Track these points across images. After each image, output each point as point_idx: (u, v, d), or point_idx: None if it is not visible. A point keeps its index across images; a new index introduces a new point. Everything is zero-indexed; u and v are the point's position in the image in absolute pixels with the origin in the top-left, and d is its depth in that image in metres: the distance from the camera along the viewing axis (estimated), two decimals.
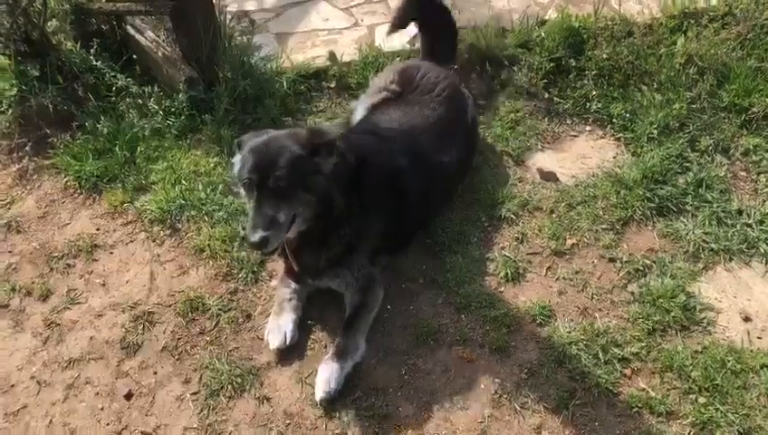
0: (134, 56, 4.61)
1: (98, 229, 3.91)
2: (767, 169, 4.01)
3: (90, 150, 4.19)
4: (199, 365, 3.26)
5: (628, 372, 3.15)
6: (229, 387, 3.16)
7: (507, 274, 3.54)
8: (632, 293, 3.45)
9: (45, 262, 3.76)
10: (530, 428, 2.98)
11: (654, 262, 3.57)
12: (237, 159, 3.10)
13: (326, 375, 3.09)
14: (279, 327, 3.28)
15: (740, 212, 3.78)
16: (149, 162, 4.18)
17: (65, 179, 4.15)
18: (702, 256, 3.60)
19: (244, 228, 3.59)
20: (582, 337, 3.25)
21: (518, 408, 3.04)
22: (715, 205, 3.81)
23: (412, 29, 4.55)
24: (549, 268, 3.59)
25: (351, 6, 5.26)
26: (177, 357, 3.32)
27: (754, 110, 4.21)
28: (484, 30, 4.69)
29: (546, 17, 4.93)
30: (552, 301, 3.43)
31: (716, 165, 4.04)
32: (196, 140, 4.33)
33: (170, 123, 4.34)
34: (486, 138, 4.29)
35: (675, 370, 3.12)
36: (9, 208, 4.06)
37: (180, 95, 4.27)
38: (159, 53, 4.49)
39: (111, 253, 3.79)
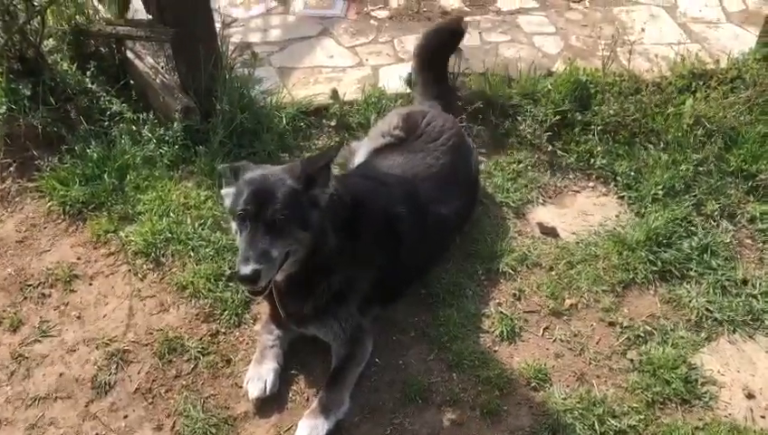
0: (131, 81, 4.50)
1: (78, 258, 3.74)
2: None
3: (77, 175, 4.03)
4: (173, 411, 3.08)
5: None
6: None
7: (503, 332, 3.39)
8: (632, 360, 3.30)
9: (19, 290, 3.58)
10: None
11: (655, 329, 3.42)
12: (230, 190, 2.95)
13: (307, 431, 2.91)
14: (259, 376, 3.11)
15: (745, 282, 3.65)
16: (138, 191, 4.03)
17: (49, 204, 3.99)
18: (705, 325, 3.46)
19: (231, 268, 3.45)
20: (578, 405, 3.09)
21: None
22: (719, 272, 3.68)
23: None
24: (546, 328, 3.44)
25: (357, 46, 5.18)
26: (150, 401, 3.13)
27: (762, 176, 4.12)
28: (490, 77, 4.61)
29: (554, 69, 4.87)
30: (548, 364, 3.27)
31: (722, 231, 3.92)
32: (188, 171, 4.19)
33: (163, 152, 4.20)
34: (487, 187, 4.17)
35: None
36: None
37: (175, 124, 4.15)
38: (157, 80, 4.38)
39: (90, 284, 3.62)
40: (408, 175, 3.50)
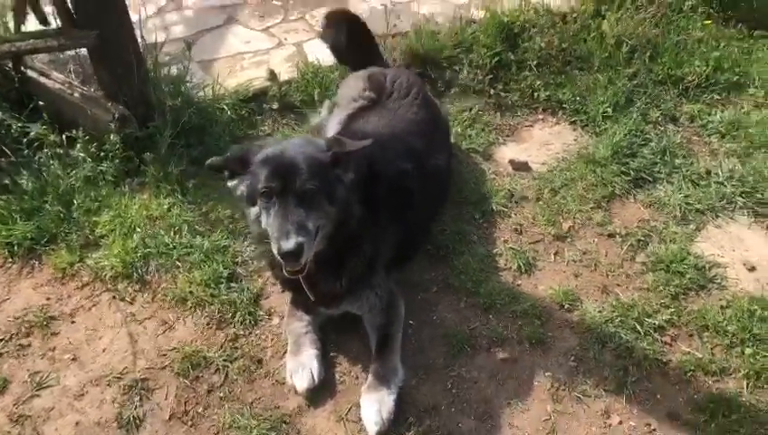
0: (40, 102, 4.00)
1: (48, 299, 3.31)
2: (715, 130, 4.21)
3: (15, 212, 3.56)
4: (221, 426, 2.82)
5: (667, 339, 3.11)
6: None
7: (519, 266, 3.41)
8: (643, 263, 3.44)
9: None
10: (597, 414, 2.83)
11: (650, 231, 3.59)
12: (240, 178, 2.73)
13: (375, 407, 2.77)
14: (302, 366, 2.92)
15: (708, 172, 3.91)
16: (90, 214, 3.63)
17: None
18: (690, 217, 3.68)
19: (233, 264, 3.19)
20: (614, 314, 3.17)
21: (580, 397, 2.89)
22: (684, 169, 3.93)
23: None
24: (556, 253, 3.51)
25: (270, 27, 4.98)
26: (190, 424, 2.84)
27: (689, 78, 4.43)
28: (417, 33, 4.59)
29: (471, 17, 4.92)
30: (571, 285, 3.34)
31: (671, 133, 4.18)
32: (137, 183, 3.83)
33: (104, 169, 3.81)
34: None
35: (710, 328, 3.12)
36: None
37: (112, 136, 3.76)
38: (76, 95, 3.95)
39: (73, 322, 3.22)
40: (397, 132, 3.41)
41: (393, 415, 2.77)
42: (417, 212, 3.24)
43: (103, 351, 3.09)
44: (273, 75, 4.30)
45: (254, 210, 2.69)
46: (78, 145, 3.80)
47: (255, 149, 2.77)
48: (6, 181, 3.67)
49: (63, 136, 3.83)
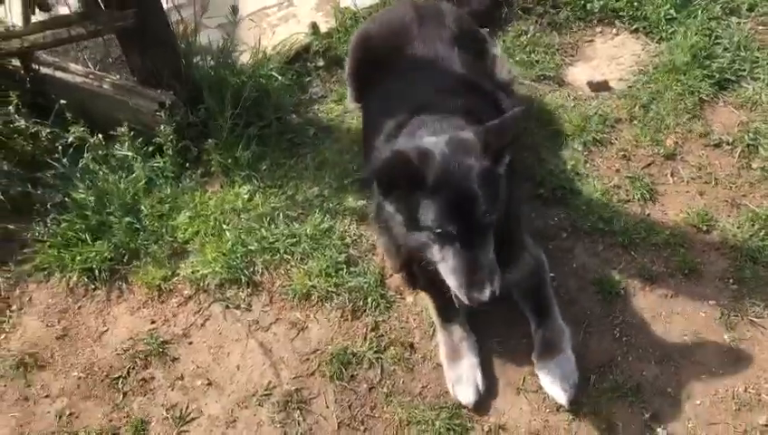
0: (61, 101, 3.49)
1: (152, 322, 2.97)
2: None
3: (82, 232, 3.15)
4: (397, 424, 2.60)
5: None
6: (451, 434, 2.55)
7: (642, 194, 3.23)
8: (762, 169, 3.30)
9: (108, 389, 2.78)
10: None
11: (755, 132, 3.43)
12: (408, 197, 2.33)
13: (559, 372, 2.60)
14: (465, 378, 2.65)
15: None
16: (164, 220, 3.25)
17: (66, 279, 3.10)
18: None
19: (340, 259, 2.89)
20: (755, 228, 3.05)
21: (753, 320, 2.78)
22: (763, 62, 3.75)
23: None
24: (672, 174, 3.33)
25: None
26: (363, 428, 2.62)
27: None
28: None
29: None
30: (700, 204, 3.18)
31: (735, 27, 3.99)
32: (199, 175, 3.44)
33: (159, 166, 3.40)
34: (515, 67, 3.88)
35: None
36: (7, 344, 2.94)
37: (163, 127, 3.32)
38: (106, 86, 3.47)
39: (191, 344, 2.90)
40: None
41: (577, 379, 2.60)
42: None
43: (237, 368, 2.80)
44: (316, 29, 3.88)
45: (417, 237, 2.37)
46: (125, 143, 3.36)
47: (420, 162, 2.29)
48: (59, 199, 3.22)
49: (100, 136, 3.38)
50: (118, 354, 2.87)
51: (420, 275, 2.72)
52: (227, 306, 2.98)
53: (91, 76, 3.51)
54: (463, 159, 2.30)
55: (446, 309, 2.76)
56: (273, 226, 3.18)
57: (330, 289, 2.96)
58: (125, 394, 2.76)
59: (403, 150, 2.34)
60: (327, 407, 2.67)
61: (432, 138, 2.43)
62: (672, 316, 2.82)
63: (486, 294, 2.26)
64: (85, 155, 3.37)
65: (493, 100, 3.12)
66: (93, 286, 3.09)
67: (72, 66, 3.58)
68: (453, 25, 3.32)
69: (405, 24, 3.33)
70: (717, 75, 3.70)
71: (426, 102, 2.78)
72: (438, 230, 2.27)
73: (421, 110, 2.73)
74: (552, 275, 2.94)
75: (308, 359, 2.80)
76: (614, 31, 4.13)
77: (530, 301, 2.81)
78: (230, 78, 3.35)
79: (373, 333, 2.85)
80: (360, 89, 3.44)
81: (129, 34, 3.26)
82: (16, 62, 3.57)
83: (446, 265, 2.34)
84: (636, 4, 4.11)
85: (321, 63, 3.90)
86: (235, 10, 3.44)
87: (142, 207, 3.26)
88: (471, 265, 2.27)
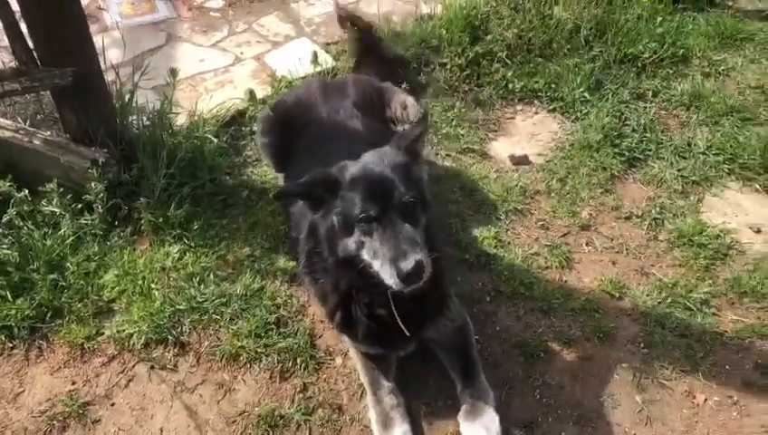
0: None
1: (73, 383, 2.88)
2: (679, 103, 4.44)
3: (4, 289, 3.05)
4: None
5: (714, 310, 3.25)
6: None
7: (560, 262, 3.42)
8: (667, 241, 3.57)
9: None
10: (683, 396, 2.91)
11: (660, 208, 3.73)
12: (331, 205, 2.48)
13: (484, 432, 2.66)
14: None
15: (689, 144, 4.12)
16: (90, 277, 3.20)
17: None
18: (689, 190, 3.86)
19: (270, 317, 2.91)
20: (662, 295, 3.27)
21: (663, 382, 2.95)
22: (667, 143, 4.11)
23: None
24: (587, 244, 3.55)
25: (218, 42, 4.60)
26: None
27: (645, 55, 4.65)
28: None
29: (429, 12, 4.83)
30: (612, 272, 3.40)
31: (641, 110, 4.36)
32: (128, 233, 3.42)
33: (87, 223, 3.36)
34: (442, 139, 4.10)
35: (749, 293, 3.30)
36: None
37: (93, 184, 3.31)
38: (36, 142, 3.45)
39: (113, 405, 2.82)
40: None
41: None
42: None
43: (161, 431, 2.74)
44: (252, 95, 3.98)
45: (350, 241, 2.44)
46: (53, 199, 3.32)
47: (336, 170, 2.50)
48: None
49: (25, 192, 3.32)
50: (34, 417, 2.76)
51: (354, 321, 2.72)
52: (152, 367, 2.93)
53: (21, 131, 3.48)
54: (379, 157, 2.50)
55: (377, 370, 2.81)
56: (202, 285, 3.18)
57: (259, 350, 2.96)
58: None
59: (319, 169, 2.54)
60: None
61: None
62: (589, 378, 2.96)
63: (411, 262, 2.27)
64: (9, 210, 3.29)
65: None
66: (11, 345, 2.98)
67: (2, 121, 3.53)
68: (353, 93, 3.57)
69: (312, 98, 3.55)
70: (627, 153, 4.02)
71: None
72: (362, 215, 2.36)
73: None
74: (476, 337, 3.05)
75: (234, 421, 2.77)
76: (534, 109, 4.43)
77: (456, 363, 2.88)
78: (167, 138, 3.39)
79: (301, 395, 2.86)
80: (278, 158, 3.56)
81: (64, 92, 3.26)
82: None
83: (374, 249, 2.38)
84: (553, 85, 4.44)
85: (256, 128, 3.98)
86: (174, 72, 3.49)
87: (68, 265, 3.20)
88: (393, 241, 2.32)
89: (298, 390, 2.88)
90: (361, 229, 2.40)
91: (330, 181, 2.46)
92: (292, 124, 3.47)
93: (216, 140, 3.70)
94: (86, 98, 3.30)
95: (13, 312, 3.00)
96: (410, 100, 3.63)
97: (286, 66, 4.28)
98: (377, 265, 2.38)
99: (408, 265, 2.28)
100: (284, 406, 2.81)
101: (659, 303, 3.24)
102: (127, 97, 3.54)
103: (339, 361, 3.00)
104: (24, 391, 2.86)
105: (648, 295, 3.27)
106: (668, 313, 3.20)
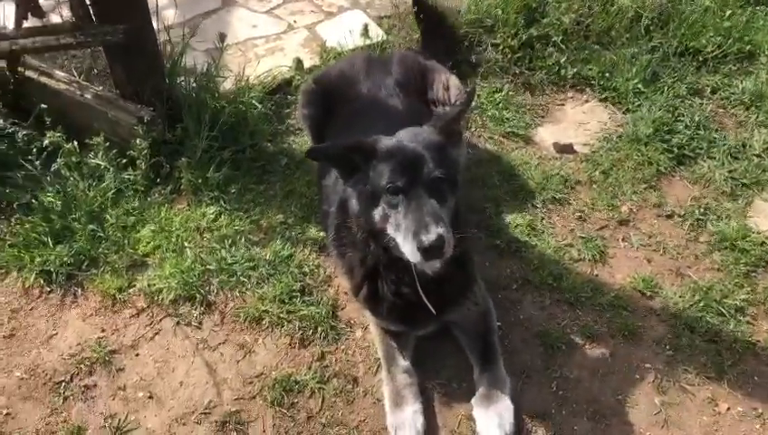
0: (42, 106, 3.55)
1: (102, 331, 2.99)
2: (738, 101, 4.27)
3: (44, 234, 3.19)
4: None
5: (749, 319, 3.14)
6: None
7: (594, 255, 3.36)
8: (708, 243, 3.46)
9: (49, 392, 2.79)
10: (704, 402, 2.84)
11: (705, 208, 3.61)
12: (361, 175, 2.51)
13: (495, 420, 2.65)
14: (408, 425, 2.66)
15: (744, 145, 3.97)
16: (128, 231, 3.31)
17: (22, 279, 3.12)
18: (738, 192, 3.72)
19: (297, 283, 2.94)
20: (695, 298, 3.18)
21: (685, 386, 2.88)
22: (720, 142, 3.96)
23: None
24: (623, 239, 3.47)
25: (273, 9, 4.63)
26: None
27: (708, 49, 4.46)
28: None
29: None
30: (646, 270, 3.32)
31: (697, 107, 4.20)
32: (168, 191, 3.51)
33: (130, 178, 3.46)
34: (486, 122, 4.05)
35: None
36: None
37: (138, 141, 3.40)
38: (88, 96, 3.55)
39: (137, 355, 2.93)
40: None
41: (515, 426, 2.67)
42: None
43: (180, 384, 2.83)
44: (299, 64, 4.01)
45: (377, 211, 2.45)
46: (99, 153, 3.43)
47: (372, 141, 2.51)
48: (26, 200, 3.27)
49: (75, 143, 3.44)
50: (63, 359, 2.89)
51: (380, 296, 2.73)
52: (179, 322, 3.02)
53: (74, 85, 3.59)
54: (413, 135, 2.50)
55: (394, 348, 2.84)
56: (233, 248, 3.25)
57: (282, 315, 3.02)
58: (65, 399, 2.77)
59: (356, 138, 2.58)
60: (264, 432, 2.70)
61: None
62: (608, 375, 2.92)
63: (432, 234, 2.25)
64: (58, 160, 3.42)
65: None
66: (49, 289, 3.12)
67: (58, 73, 3.66)
68: (396, 71, 3.53)
69: (355, 73, 3.55)
70: (676, 150, 3.89)
71: None
72: (389, 186, 2.37)
73: None
74: (498, 323, 3.04)
75: (251, 382, 2.84)
76: (584, 97, 4.32)
77: (476, 347, 2.88)
78: (210, 101, 3.44)
79: (318, 363, 2.91)
80: (317, 131, 3.57)
81: (116, 49, 3.35)
82: (2, 64, 3.64)
83: (398, 222, 2.38)
84: (607, 74, 4.32)
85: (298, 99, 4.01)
86: (222, 37, 3.54)
87: (107, 217, 3.31)
88: (417, 214, 2.32)
89: (316, 358, 2.93)
90: (387, 201, 2.40)
91: (366, 149, 2.48)
92: (334, 98, 3.48)
93: (260, 107, 3.75)
94: (136, 56, 3.38)
95: (52, 257, 3.13)
96: (453, 80, 3.58)
97: (336, 37, 4.27)
98: (399, 239, 2.38)
99: (429, 238, 2.26)
100: (301, 372, 2.86)
101: (691, 306, 3.15)
102: (176, 58, 3.60)
103: (359, 333, 3.03)
104: (56, 333, 2.99)
105: (680, 297, 3.19)
106: (700, 317, 3.11)
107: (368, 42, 4.25)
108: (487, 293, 3.02)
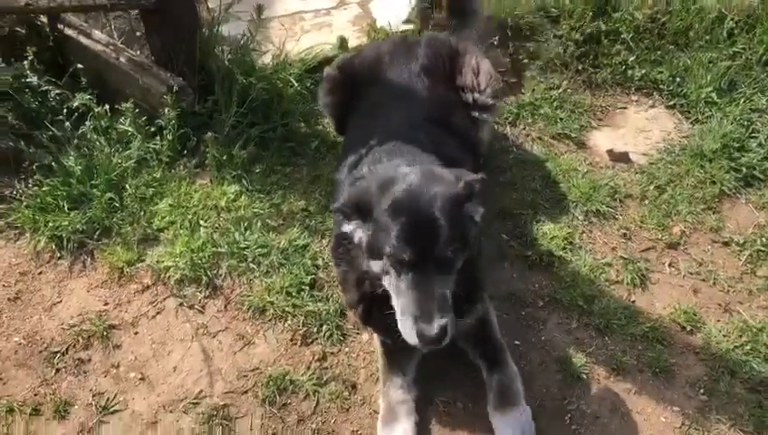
0: (79, 66, 3.50)
1: (106, 304, 2.93)
2: None
3: (61, 199, 3.14)
4: None
5: None
6: None
7: (633, 279, 3.06)
8: (766, 278, 3.10)
9: (44, 361, 2.76)
10: None
11: None
12: (358, 225, 2.30)
13: (519, 427, 2.47)
14: None
15: None
16: (145, 203, 3.22)
17: (34, 242, 3.09)
18: None
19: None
20: (742, 339, 2.85)
21: None
22: None
23: None
24: (670, 264, 3.15)
25: None
26: None
27: None
28: None
29: None
30: (691, 302, 3.00)
31: None
32: (193, 165, 3.41)
33: (156, 148, 3.37)
34: (537, 120, 3.76)
35: None
36: None
37: (167, 110, 3.30)
38: (122, 60, 3.47)
39: (136, 333, 2.85)
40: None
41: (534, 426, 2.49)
42: None
43: (174, 369, 2.74)
44: (343, 43, 3.82)
45: (376, 264, 2.25)
46: (128, 119, 3.35)
47: (374, 187, 2.26)
48: (48, 161, 3.22)
49: (107, 107, 3.38)
50: (63, 329, 2.84)
51: (377, 316, 2.59)
52: (182, 304, 2.92)
53: (111, 47, 3.52)
54: (428, 181, 2.22)
55: (394, 362, 2.64)
56: (248, 232, 3.12)
57: (287, 309, 2.87)
58: (57, 371, 2.72)
59: (363, 176, 2.34)
60: (251, 430, 2.57)
61: (405, 168, 2.35)
62: (631, 414, 2.64)
63: (435, 327, 2.10)
64: (87, 123, 3.37)
65: (461, 133, 3.06)
66: (59, 255, 3.08)
67: (96, 33, 3.60)
68: (424, 55, 3.24)
69: (380, 59, 3.30)
70: (745, 170, 3.51)
71: (383, 137, 2.74)
72: (393, 256, 2.15)
73: (380, 143, 2.70)
74: (516, 342, 2.81)
75: (245, 376, 2.71)
76: (650, 102, 3.97)
77: (479, 347, 2.67)
78: (240, 76, 3.30)
79: (318, 364, 2.76)
80: (340, 120, 3.38)
81: (151, 14, 3.25)
82: (44, 20, 3.61)
83: (400, 293, 2.19)
84: (678, 79, 3.95)
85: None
86: (261, 9, 3.38)
87: (127, 186, 3.24)
88: (422, 296, 2.13)
89: (316, 358, 2.78)
90: (393, 267, 2.19)
91: (362, 205, 2.25)
92: (358, 85, 3.26)
93: (296, 85, 3.59)
94: (170, 22, 3.28)
95: (65, 223, 3.08)
96: (485, 65, 3.26)
97: (387, 17, 4.05)
98: (397, 312, 2.22)
99: (430, 330, 2.12)
100: (298, 372, 2.72)
101: (737, 347, 2.82)
102: (215, 28, 3.48)
103: (365, 337, 2.86)
104: (60, 301, 2.95)
105: (725, 336, 2.86)
106: (744, 361, 2.78)
107: (410, 27, 4.01)
108: (490, 304, 2.78)
